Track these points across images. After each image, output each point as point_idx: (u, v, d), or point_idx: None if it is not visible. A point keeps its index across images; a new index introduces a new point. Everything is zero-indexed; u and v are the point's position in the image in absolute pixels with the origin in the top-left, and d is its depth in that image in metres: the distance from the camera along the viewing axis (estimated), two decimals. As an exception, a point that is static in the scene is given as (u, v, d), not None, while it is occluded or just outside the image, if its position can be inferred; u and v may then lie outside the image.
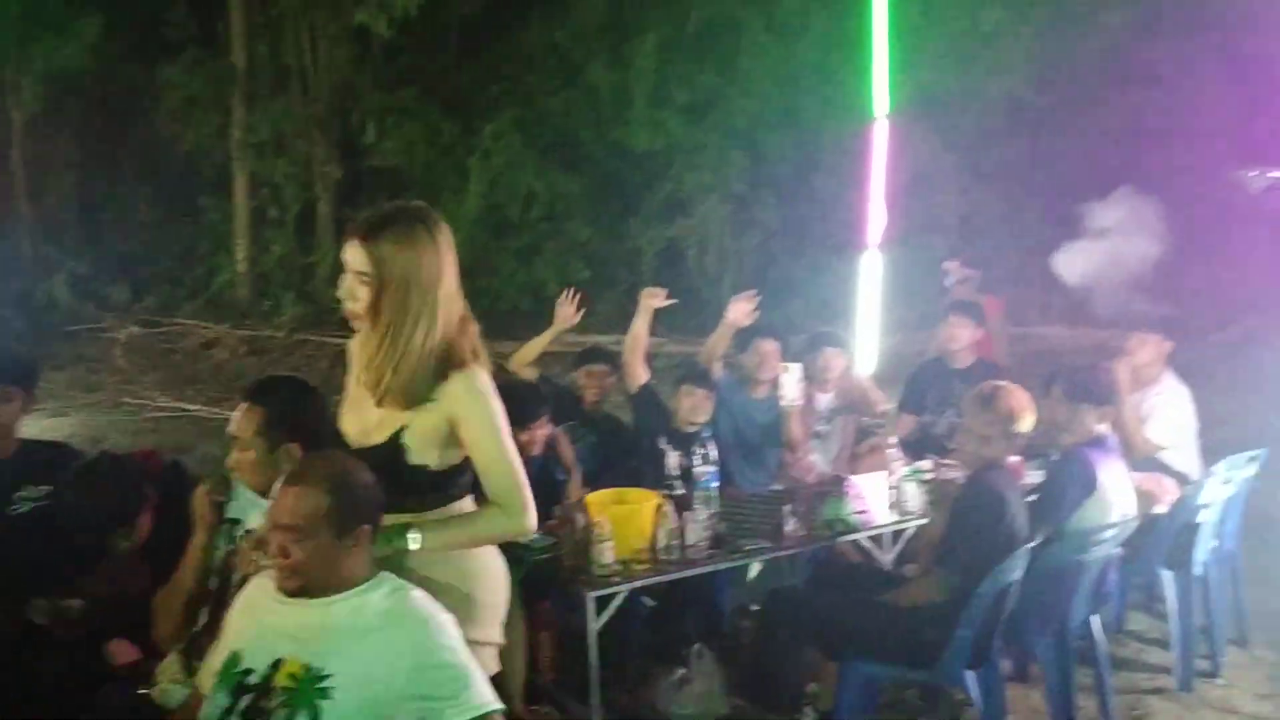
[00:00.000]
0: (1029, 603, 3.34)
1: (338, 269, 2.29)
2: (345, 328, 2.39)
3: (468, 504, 2.38)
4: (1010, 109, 13.35)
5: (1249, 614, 4.43)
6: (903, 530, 4.12)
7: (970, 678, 3.23)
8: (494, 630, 2.44)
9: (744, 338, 4.83)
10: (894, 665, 3.34)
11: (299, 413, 2.59)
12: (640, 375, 4.58)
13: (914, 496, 4.11)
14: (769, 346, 4.79)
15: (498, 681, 2.24)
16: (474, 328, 2.32)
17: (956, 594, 3.17)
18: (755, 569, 4.33)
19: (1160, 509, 4.17)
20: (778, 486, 4.59)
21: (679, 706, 3.69)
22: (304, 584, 2.13)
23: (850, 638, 3.33)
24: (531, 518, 2.30)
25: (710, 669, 3.76)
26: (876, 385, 5.35)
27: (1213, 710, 3.88)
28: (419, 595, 2.15)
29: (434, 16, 12.78)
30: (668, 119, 13.11)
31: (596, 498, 3.71)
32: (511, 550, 2.60)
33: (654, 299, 4.58)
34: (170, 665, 2.54)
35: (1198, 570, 4.07)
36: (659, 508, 3.62)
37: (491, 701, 2.09)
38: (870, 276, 6.79)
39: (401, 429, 2.27)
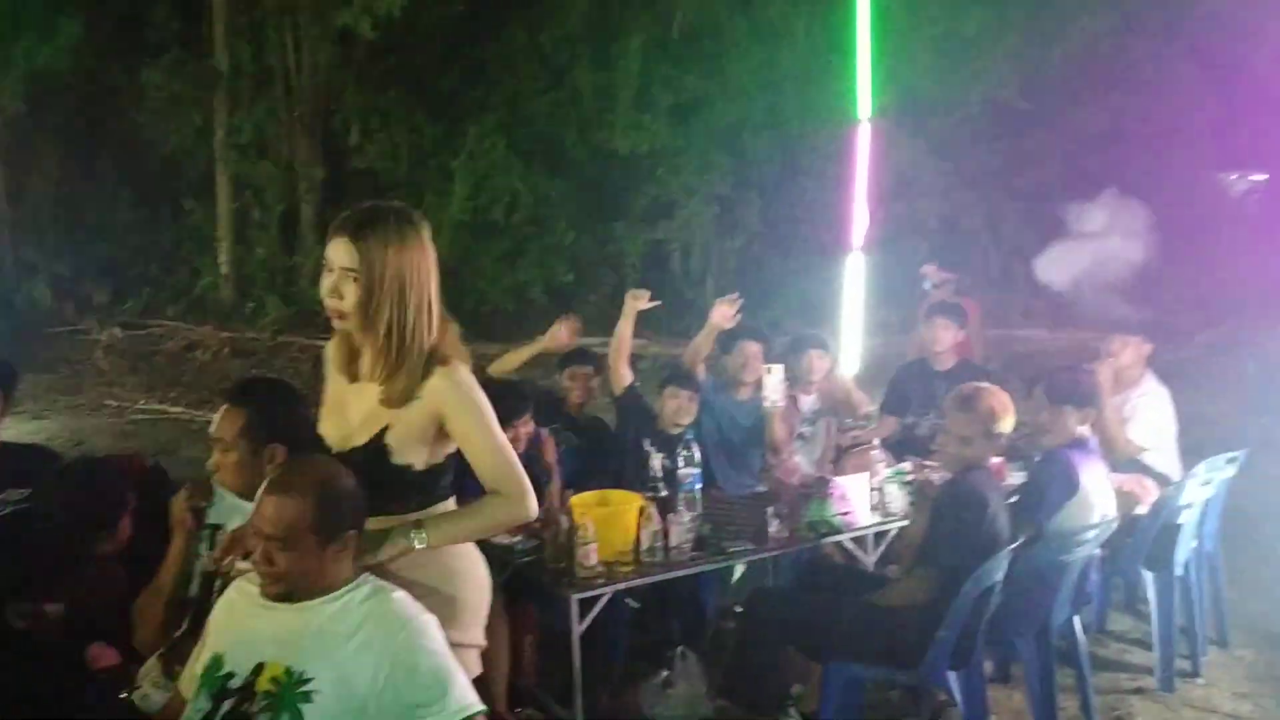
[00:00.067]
0: (1011, 603, 3.35)
1: (321, 271, 2.26)
2: (329, 330, 2.36)
3: (450, 505, 2.37)
4: (993, 113, 13.44)
5: (1229, 614, 4.47)
6: (886, 531, 4.13)
7: (953, 678, 3.24)
8: (477, 632, 2.42)
9: (727, 340, 4.84)
10: (877, 666, 3.34)
11: (282, 414, 2.57)
12: (625, 377, 4.58)
13: (896, 498, 4.14)
14: (752, 348, 4.79)
15: (480, 684, 2.23)
16: (453, 327, 2.32)
17: (939, 595, 3.18)
18: (739, 571, 4.35)
19: (1141, 510, 4.20)
20: (761, 488, 4.60)
21: (663, 709, 3.69)
22: (288, 590, 2.12)
23: (833, 639, 3.33)
24: (533, 501, 2.29)
25: (694, 671, 3.76)
26: (859, 387, 5.37)
27: (1193, 709, 3.90)
28: (401, 597, 2.14)
29: (418, 19, 12.74)
30: (652, 122, 13.14)
31: (580, 500, 3.71)
32: (494, 552, 2.60)
33: (638, 301, 4.59)
34: (151, 669, 2.52)
35: (1178, 571, 4.09)
36: (643, 510, 3.63)
37: (474, 704, 2.08)
38: (853, 278, 6.83)
39: (385, 429, 2.25)
